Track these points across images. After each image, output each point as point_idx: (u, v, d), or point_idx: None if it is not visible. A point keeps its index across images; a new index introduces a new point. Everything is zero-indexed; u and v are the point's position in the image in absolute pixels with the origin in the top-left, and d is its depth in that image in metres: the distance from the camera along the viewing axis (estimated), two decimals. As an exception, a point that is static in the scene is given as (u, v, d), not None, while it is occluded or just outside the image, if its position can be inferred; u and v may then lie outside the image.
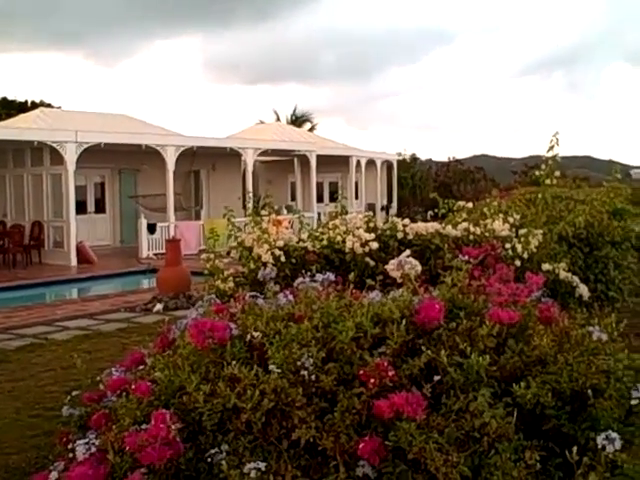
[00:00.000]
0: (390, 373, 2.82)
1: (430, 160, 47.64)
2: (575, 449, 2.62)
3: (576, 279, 6.03)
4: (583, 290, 6.06)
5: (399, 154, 37.99)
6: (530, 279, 3.85)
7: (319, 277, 3.49)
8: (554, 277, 5.62)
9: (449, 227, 5.93)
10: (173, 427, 2.48)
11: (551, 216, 7.10)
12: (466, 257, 4.03)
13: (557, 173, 6.75)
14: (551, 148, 6.50)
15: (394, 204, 34.84)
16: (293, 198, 32.65)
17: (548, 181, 6.62)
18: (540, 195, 6.54)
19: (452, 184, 36.47)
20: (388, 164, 35.42)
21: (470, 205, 6.40)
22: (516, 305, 3.53)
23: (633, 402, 2.89)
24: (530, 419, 2.97)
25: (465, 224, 5.91)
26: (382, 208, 33.31)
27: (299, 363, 2.81)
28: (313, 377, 2.80)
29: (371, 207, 30.86)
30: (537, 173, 6.74)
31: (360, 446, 2.59)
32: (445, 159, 41.85)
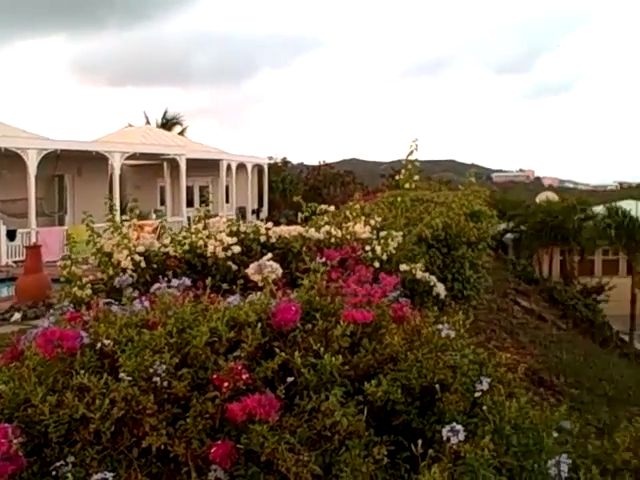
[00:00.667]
0: (244, 376, 2.83)
1: (302, 164, 48.07)
2: (420, 442, 2.72)
3: (433, 278, 6.25)
4: (440, 289, 6.29)
5: (270, 158, 38.15)
6: (384, 280, 3.97)
7: (175, 282, 3.45)
8: (411, 277, 5.80)
9: (312, 230, 6.02)
10: (15, 441, 2.39)
11: (411, 218, 7.33)
12: (324, 259, 4.10)
13: (416, 177, 6.98)
14: (410, 153, 6.72)
15: (265, 207, 34.95)
16: (163, 202, 32.10)
17: (407, 185, 6.84)
18: (400, 198, 6.74)
19: (322, 187, 36.97)
20: (259, 168, 35.49)
21: (332, 208, 6.51)
22: (371, 305, 3.63)
23: (477, 394, 3.03)
24: (382, 415, 3.06)
25: (327, 227, 6.00)
26: (253, 212, 33.33)
27: (151, 370, 2.77)
28: (165, 383, 2.77)
29: (242, 211, 30.83)
30: (397, 177, 6.95)
31: (212, 450, 2.59)
32: (316, 163, 42.33)
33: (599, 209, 24.35)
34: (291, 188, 36.52)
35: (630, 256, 20.26)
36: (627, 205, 23.65)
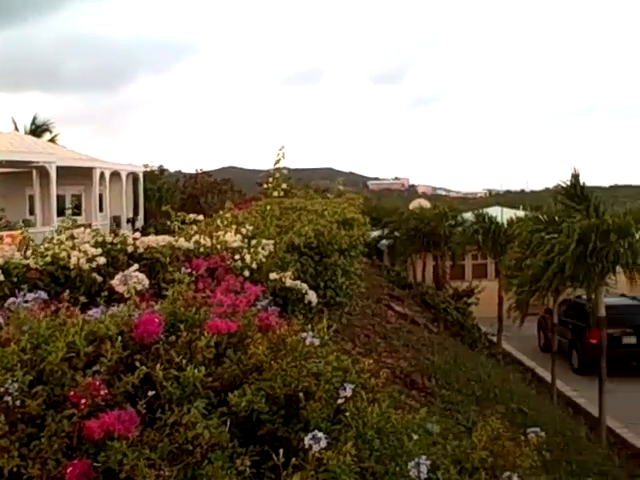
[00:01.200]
0: (102, 392, 2.75)
1: (179, 172, 47.43)
2: (282, 451, 2.72)
3: (305, 286, 6.29)
4: (312, 296, 6.34)
5: (146, 166, 37.40)
6: (249, 289, 3.97)
7: (30, 296, 3.32)
8: (281, 285, 5.82)
9: (182, 240, 5.94)
10: None
11: (284, 226, 7.37)
12: (189, 269, 4.05)
13: (284, 185, 7.01)
14: (278, 161, 6.75)
15: (140, 216, 34.22)
16: (32, 212, 30.81)
17: (276, 193, 6.86)
18: (269, 207, 6.75)
19: (200, 195, 36.60)
20: (134, 176, 34.72)
21: (201, 217, 6.45)
22: (236, 315, 3.62)
23: (340, 401, 3.08)
24: (248, 426, 3.05)
25: (197, 236, 5.94)
26: (128, 220, 32.56)
27: (2, 389, 2.65)
28: (18, 402, 2.65)
29: (117, 220, 30.06)
30: (264, 186, 6.97)
31: (68, 470, 2.50)
32: (194, 171, 41.86)
33: (468, 215, 25.30)
34: (167, 197, 35.96)
35: (496, 260, 21.13)
36: (493, 211, 24.70)
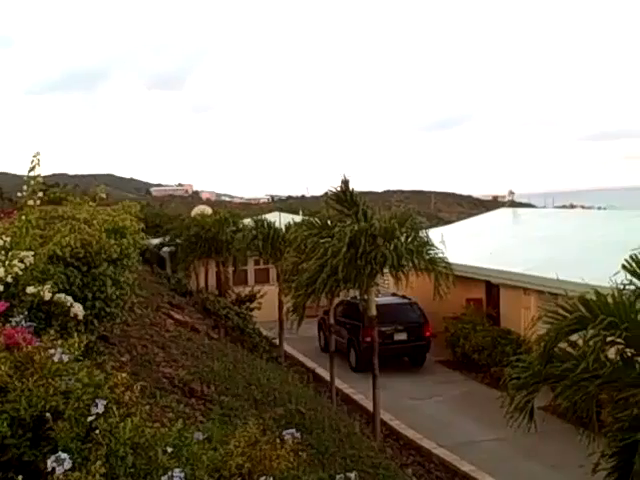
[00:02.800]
0: None
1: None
2: (21, 477, 2.58)
3: (69, 299, 6.03)
4: (78, 309, 6.09)
5: None
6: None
7: None
8: (40, 299, 5.53)
9: None
10: None
11: (47, 237, 6.99)
12: None
13: (40, 194, 6.65)
14: (32, 169, 6.39)
15: None
16: None
17: (31, 202, 6.50)
18: (24, 217, 6.37)
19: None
20: None
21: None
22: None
23: (90, 418, 2.96)
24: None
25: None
26: None
27: None
28: None
29: None
30: (19, 194, 6.58)
31: None
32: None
33: (248, 221, 25.57)
34: None
35: (276, 265, 21.56)
36: (273, 217, 25.17)
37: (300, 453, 3.60)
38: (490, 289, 23.09)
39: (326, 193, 15.81)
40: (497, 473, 13.81)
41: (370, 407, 16.06)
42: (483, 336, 20.98)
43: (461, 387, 20.36)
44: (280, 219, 23.80)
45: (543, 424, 9.55)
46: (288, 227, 20.23)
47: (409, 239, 14.78)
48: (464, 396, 19.47)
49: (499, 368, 9.94)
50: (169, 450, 3.07)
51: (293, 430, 3.65)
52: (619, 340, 8.48)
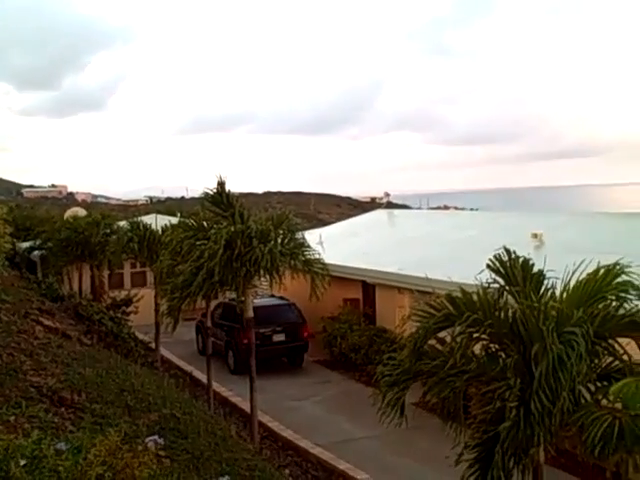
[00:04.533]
0: None
1: None
2: None
3: None
4: None
5: None
6: None
7: None
8: None
9: None
10: None
11: None
12: None
13: None
14: None
15: None
16: None
17: None
18: None
19: None
20: None
21: None
22: None
23: None
24: None
25: None
26: None
27: None
28: None
29: None
30: None
31: None
32: None
33: (123, 223, 24.95)
34: None
35: (152, 268, 21.14)
36: (149, 219, 24.68)
37: (163, 460, 3.57)
38: (367, 289, 23.54)
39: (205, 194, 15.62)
40: (372, 469, 14.11)
41: (248, 409, 16.04)
42: (359, 335, 21.36)
43: (338, 386, 20.66)
44: (156, 221, 23.39)
45: (416, 419, 9.83)
46: (165, 229, 19.89)
47: (285, 241, 14.86)
48: (341, 395, 19.77)
49: (374, 366, 10.16)
50: (22, 462, 2.96)
51: (156, 437, 3.62)
52: (484, 336, 8.87)
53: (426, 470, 13.69)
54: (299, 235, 15.58)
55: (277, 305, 23.06)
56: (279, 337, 22.34)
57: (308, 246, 15.58)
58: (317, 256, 15.69)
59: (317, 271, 15.23)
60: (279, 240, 14.56)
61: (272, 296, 22.97)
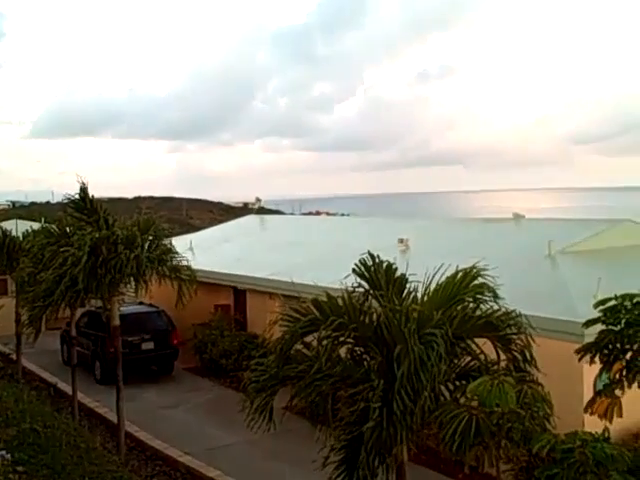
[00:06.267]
0: None
1: None
2: None
3: None
4: None
5: None
6: None
7: None
8: None
9: None
10: None
11: None
12: None
13: None
14: None
15: None
16: None
17: None
18: None
19: None
20: None
21: None
22: None
23: None
24: None
25: None
26: None
27: None
28: None
29: None
30: None
31: None
32: None
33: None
34: None
35: (12, 276, 20.20)
36: (10, 225, 23.62)
37: (21, 475, 3.43)
38: (238, 295, 23.48)
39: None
40: (243, 475, 14.06)
41: (115, 420, 15.60)
42: (230, 341, 21.25)
43: (209, 393, 20.46)
44: (17, 227, 22.42)
45: (286, 423, 9.89)
46: (26, 235, 19.07)
47: (152, 247, 14.59)
48: (211, 402, 19.60)
49: (245, 372, 10.15)
50: None
51: (3, 452, 3.46)
52: (349, 340, 9.05)
53: (296, 473, 13.77)
54: (166, 241, 15.36)
55: (145, 312, 22.58)
56: (148, 345, 21.87)
57: (176, 252, 15.37)
58: (185, 262, 15.51)
59: (184, 278, 15.06)
60: (146, 246, 14.26)
61: (141, 303, 22.47)
